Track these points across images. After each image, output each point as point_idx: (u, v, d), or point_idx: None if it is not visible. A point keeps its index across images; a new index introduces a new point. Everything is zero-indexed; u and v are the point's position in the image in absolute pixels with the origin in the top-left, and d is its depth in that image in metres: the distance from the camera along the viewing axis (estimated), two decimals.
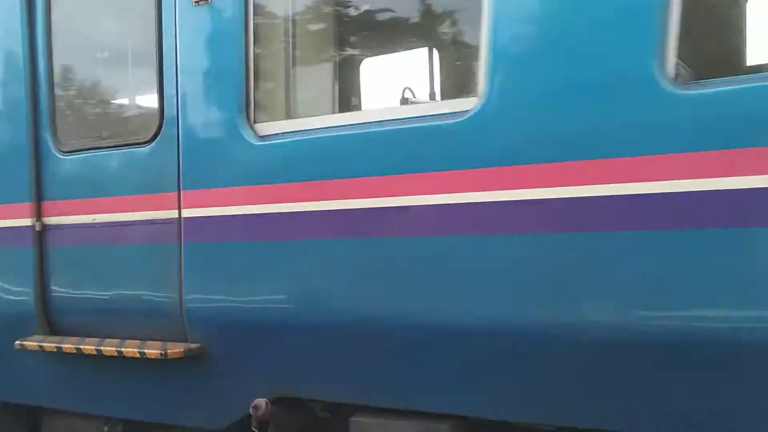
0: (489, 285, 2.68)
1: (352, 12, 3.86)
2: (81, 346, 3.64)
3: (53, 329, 3.96)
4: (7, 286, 4.05)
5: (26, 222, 3.92)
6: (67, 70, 3.97)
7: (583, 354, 2.56)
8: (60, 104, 3.93)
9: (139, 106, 3.92)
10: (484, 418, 2.88)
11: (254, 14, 3.28)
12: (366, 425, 3.17)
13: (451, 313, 2.81)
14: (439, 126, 2.82)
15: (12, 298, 4.03)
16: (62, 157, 3.86)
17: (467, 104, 2.78)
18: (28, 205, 3.91)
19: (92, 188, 3.78)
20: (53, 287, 3.94)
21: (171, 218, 3.49)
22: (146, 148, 3.57)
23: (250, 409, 3.28)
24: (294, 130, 3.23)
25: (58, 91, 3.92)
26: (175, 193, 3.46)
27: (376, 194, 2.95)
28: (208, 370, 3.48)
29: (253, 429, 3.35)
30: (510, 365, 2.75)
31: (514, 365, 2.74)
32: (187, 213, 3.43)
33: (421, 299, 2.88)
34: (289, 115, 3.48)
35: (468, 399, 2.91)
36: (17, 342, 3.84)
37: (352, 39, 4.28)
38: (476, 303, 2.73)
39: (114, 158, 3.72)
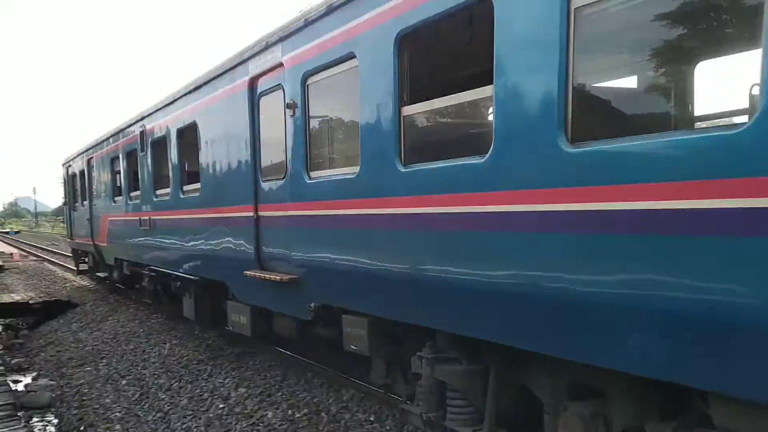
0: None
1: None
2: (263, 275, 8.10)
3: (262, 267, 8.49)
4: (247, 245, 8.72)
5: (251, 213, 8.53)
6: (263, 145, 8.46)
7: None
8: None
9: (280, 164, 8.01)
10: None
11: (310, 118, 7.23)
12: (345, 319, 6.94)
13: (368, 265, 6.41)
14: (343, 178, 6.46)
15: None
16: (263, 184, 8.35)
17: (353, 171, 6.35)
18: (252, 207, 8.51)
19: (270, 198, 8.17)
20: (262, 246, 8.47)
21: (287, 215, 7.67)
22: (282, 181, 7.80)
23: (308, 307, 7.32)
24: (323, 177, 7.09)
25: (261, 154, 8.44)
26: (287, 203, 7.62)
27: (329, 208, 6.70)
28: (299, 289, 7.57)
29: (310, 317, 7.38)
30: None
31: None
32: (290, 213, 7.58)
33: (358, 256, 6.54)
34: (322, 169, 7.31)
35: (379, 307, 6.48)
36: (245, 272, 8.51)
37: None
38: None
39: (273, 185, 8.03)
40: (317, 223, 7.12)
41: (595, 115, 4.77)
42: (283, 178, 7.77)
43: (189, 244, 10.87)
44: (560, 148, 4.19)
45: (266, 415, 8.20)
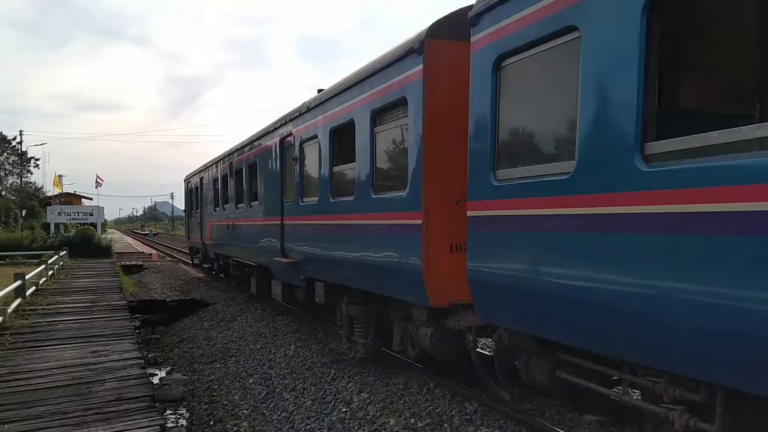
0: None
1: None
2: (282, 259, 13.70)
3: (285, 255, 14.08)
4: (277, 241, 14.35)
5: (279, 222, 14.17)
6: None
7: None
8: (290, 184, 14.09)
9: (291, 192, 13.51)
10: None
11: (303, 167, 12.76)
12: (316, 284, 12.42)
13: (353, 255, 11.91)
14: (314, 203, 11.97)
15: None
16: (299, 203, 13.95)
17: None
18: (279, 217, 14.15)
19: (288, 212, 13.75)
20: (285, 242, 14.07)
21: (292, 223, 13.25)
22: (292, 203, 13.36)
23: (301, 278, 12.89)
24: (307, 202, 12.59)
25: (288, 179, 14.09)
26: (293, 216, 13.20)
27: (308, 220, 12.21)
28: (298, 267, 13.11)
29: (303, 285, 12.92)
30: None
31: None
32: (293, 222, 13.15)
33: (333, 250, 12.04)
34: (308, 197, 12.79)
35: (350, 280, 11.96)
36: (275, 258, 14.17)
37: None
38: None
39: (289, 205, 13.60)
40: (303, 228, 12.66)
41: (381, 182, 9.38)
42: (293, 201, 13.33)
43: (252, 242, 16.71)
44: (371, 196, 9.52)
45: (388, 422, 8.38)
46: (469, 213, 7.02)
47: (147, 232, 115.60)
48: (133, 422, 7.26)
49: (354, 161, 10.11)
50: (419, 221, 8.01)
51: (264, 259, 15.86)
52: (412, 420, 8.24)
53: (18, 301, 15.88)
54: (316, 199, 11.82)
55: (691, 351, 4.50)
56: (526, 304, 6.28)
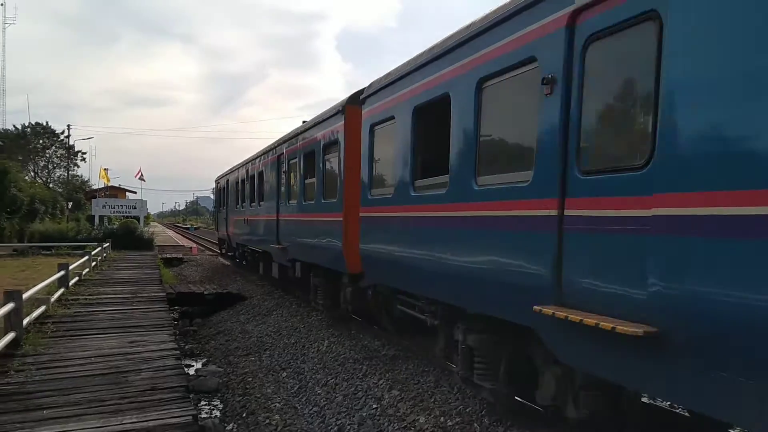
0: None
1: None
2: (277, 245, 19.02)
3: (279, 242, 19.37)
4: (275, 232, 19.65)
5: (275, 217, 19.42)
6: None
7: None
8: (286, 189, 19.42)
9: (283, 194, 18.72)
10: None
11: (290, 177, 18.05)
12: (296, 264, 17.70)
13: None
14: (296, 204, 17.30)
15: (282, 235, 19.58)
16: (287, 204, 19.27)
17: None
18: (275, 214, 19.44)
19: (282, 210, 19.06)
20: (280, 232, 19.35)
21: (284, 219, 18.56)
22: (285, 202, 18.66)
23: (287, 259, 18.21)
24: (291, 203, 17.88)
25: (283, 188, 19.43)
26: (284, 214, 18.49)
27: (291, 216, 17.50)
28: (286, 252, 18.31)
29: (288, 264, 18.21)
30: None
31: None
32: (284, 218, 18.46)
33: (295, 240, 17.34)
34: (291, 199, 18.06)
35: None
36: (272, 245, 19.49)
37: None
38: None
39: (283, 203, 18.89)
40: (290, 222, 17.86)
41: (326, 192, 14.39)
42: (283, 202, 18.56)
43: (259, 233, 22.09)
44: (321, 201, 14.69)
45: (418, 419, 8.50)
46: (360, 214, 12.11)
47: (188, 226, 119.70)
48: (166, 411, 7.40)
49: (315, 177, 15.29)
50: (341, 218, 13.17)
51: (267, 246, 21.11)
52: (442, 418, 8.42)
53: (61, 290, 16.48)
54: (296, 201, 17.03)
55: (427, 283, 9.51)
56: (384, 268, 11.33)
